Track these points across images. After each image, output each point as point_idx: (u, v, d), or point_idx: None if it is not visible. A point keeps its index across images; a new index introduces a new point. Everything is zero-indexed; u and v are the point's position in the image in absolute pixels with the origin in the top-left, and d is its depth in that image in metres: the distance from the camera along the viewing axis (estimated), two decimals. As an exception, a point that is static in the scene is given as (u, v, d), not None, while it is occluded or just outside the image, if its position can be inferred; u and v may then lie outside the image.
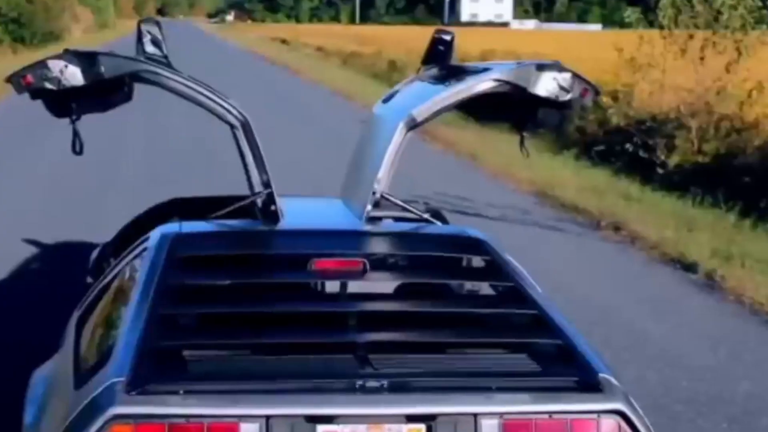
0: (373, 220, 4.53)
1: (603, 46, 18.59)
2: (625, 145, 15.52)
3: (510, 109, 4.92)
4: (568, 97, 4.65)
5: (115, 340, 3.63)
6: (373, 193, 4.53)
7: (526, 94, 4.59)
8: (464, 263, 4.27)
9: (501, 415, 3.42)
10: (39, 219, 10.99)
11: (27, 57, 39.17)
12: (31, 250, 9.61)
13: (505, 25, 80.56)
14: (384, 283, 4.07)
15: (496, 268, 4.10)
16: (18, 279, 8.80)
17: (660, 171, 14.80)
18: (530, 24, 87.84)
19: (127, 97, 4.91)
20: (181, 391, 3.34)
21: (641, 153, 15.22)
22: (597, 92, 4.78)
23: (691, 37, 15.56)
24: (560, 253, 10.27)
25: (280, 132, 17.43)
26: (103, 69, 4.31)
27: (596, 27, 61.32)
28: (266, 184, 4.44)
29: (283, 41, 60.64)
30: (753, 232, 11.35)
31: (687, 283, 9.43)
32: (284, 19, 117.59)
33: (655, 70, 16.39)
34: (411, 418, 3.39)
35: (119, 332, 3.66)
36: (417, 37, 38.40)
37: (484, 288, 4.25)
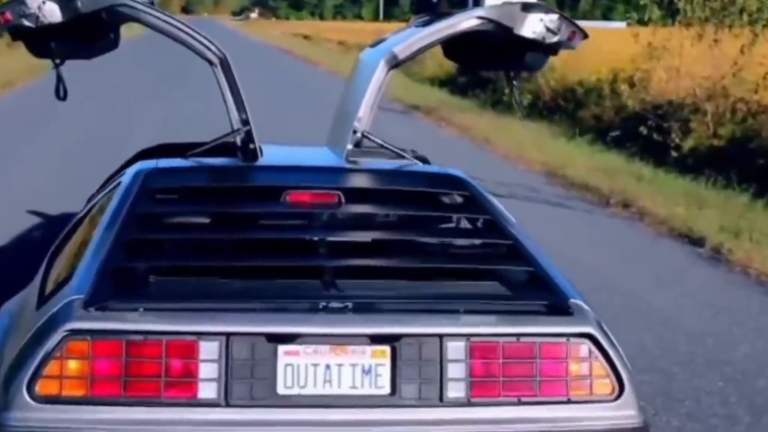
0: (353, 159, 4.46)
1: (624, 41, 18.52)
2: (639, 127, 15.39)
3: (496, 54, 4.85)
4: (555, 39, 4.56)
5: (79, 263, 3.59)
6: (354, 131, 4.46)
7: (512, 35, 4.50)
8: (442, 198, 4.20)
9: (467, 337, 3.36)
10: (46, 199, 10.96)
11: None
12: (34, 221, 9.57)
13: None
14: (359, 215, 4.00)
15: (473, 203, 4.03)
16: (21, 246, 8.77)
17: (674, 154, 14.66)
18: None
19: (113, 44, 4.87)
20: (141, 309, 3.29)
21: (655, 136, 15.08)
22: (585, 35, 4.69)
23: (706, 19, 15.43)
24: (567, 228, 10.16)
25: (290, 113, 17.42)
26: (79, 3, 4.26)
27: (620, 24, 60.85)
28: (245, 122, 4.38)
29: (306, 37, 60.61)
30: (765, 211, 11.20)
31: (694, 256, 9.33)
32: (308, 16, 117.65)
33: (671, 56, 16.27)
34: (375, 339, 3.33)
35: (84, 256, 3.61)
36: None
37: (461, 222, 4.17)
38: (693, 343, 6.70)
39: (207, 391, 3.25)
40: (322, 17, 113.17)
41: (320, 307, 3.36)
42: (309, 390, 3.30)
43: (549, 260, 3.74)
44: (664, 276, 8.55)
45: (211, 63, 4.36)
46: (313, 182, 4.06)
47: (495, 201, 4.14)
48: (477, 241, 4.04)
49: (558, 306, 3.48)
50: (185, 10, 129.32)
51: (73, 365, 3.22)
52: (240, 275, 3.59)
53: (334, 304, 3.37)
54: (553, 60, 17.10)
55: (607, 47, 21.39)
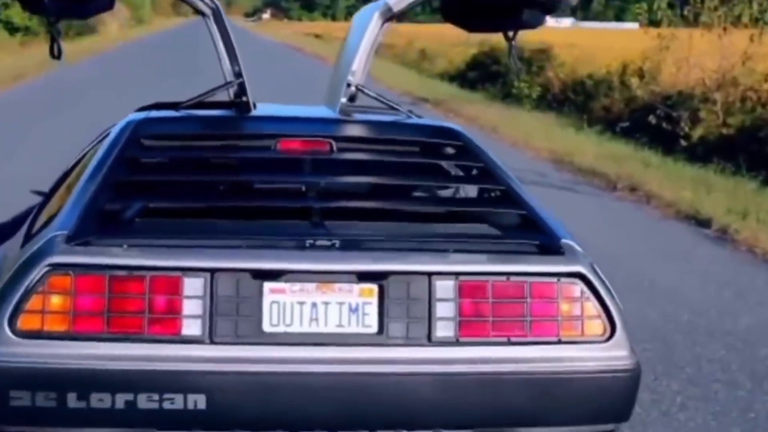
0: (347, 112, 4.40)
1: (636, 40, 18.50)
2: (648, 116, 15.32)
3: (495, 13, 4.79)
4: None
5: (65, 204, 3.54)
6: (348, 85, 4.40)
7: None
8: (435, 147, 4.13)
9: (456, 276, 3.30)
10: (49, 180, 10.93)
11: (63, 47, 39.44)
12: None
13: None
14: (350, 161, 3.93)
15: (467, 152, 3.97)
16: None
17: (683, 143, 14.60)
18: (567, 22, 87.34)
19: (109, 4, 4.82)
20: (124, 245, 3.24)
21: (664, 125, 15.02)
22: None
23: (715, 9, 15.36)
24: (572, 210, 10.05)
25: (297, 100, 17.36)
26: None
27: (633, 25, 60.78)
28: (238, 74, 4.32)
29: (317, 36, 60.66)
30: (774, 196, 11.13)
31: (700, 237, 9.26)
32: (320, 17, 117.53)
33: (680, 46, 16.21)
34: (362, 277, 3.28)
35: (70, 197, 3.57)
36: (451, 33, 38.33)
37: (453, 169, 4.11)
38: (696, 315, 6.64)
39: (191, 327, 3.20)
40: (334, 18, 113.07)
41: (307, 244, 3.31)
42: (295, 328, 3.25)
43: (542, 205, 3.69)
44: (669, 254, 8.49)
45: (203, 14, 4.31)
46: (304, 131, 4.00)
47: (489, 152, 4.08)
48: (469, 187, 3.98)
49: (549, 246, 3.42)
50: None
51: (55, 300, 3.18)
52: (227, 216, 3.54)
53: (322, 242, 3.32)
54: (563, 55, 17.00)
55: (619, 45, 21.38)
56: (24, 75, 24.96)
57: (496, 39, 25.51)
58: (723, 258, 8.46)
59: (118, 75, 23.43)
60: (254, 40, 50.99)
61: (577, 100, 19.65)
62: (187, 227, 3.44)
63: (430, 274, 3.28)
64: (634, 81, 17.58)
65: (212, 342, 3.20)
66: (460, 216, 3.70)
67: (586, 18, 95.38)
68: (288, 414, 3.21)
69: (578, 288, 3.36)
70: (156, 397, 3.15)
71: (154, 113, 4.22)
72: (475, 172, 3.92)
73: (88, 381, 3.14)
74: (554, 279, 3.35)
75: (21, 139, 13.53)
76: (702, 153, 14.10)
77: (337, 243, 3.32)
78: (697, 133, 14.82)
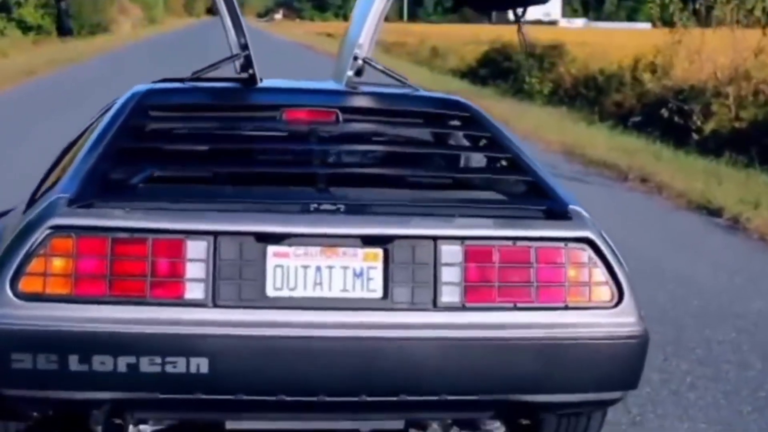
0: (354, 85, 4.36)
1: (649, 39, 18.46)
2: (660, 110, 15.26)
3: None
4: None
5: (68, 169, 3.52)
6: (355, 57, 4.36)
7: None
8: (442, 117, 4.09)
9: (462, 240, 3.26)
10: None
11: (74, 45, 39.73)
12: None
13: (553, 23, 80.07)
14: (357, 131, 3.90)
15: (474, 122, 3.93)
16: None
17: (695, 137, 14.53)
18: (579, 22, 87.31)
19: None
20: (127, 208, 3.21)
21: (676, 119, 14.95)
22: None
23: (728, 1, 15.31)
24: (583, 199, 9.97)
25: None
26: None
27: (645, 26, 60.86)
28: (244, 47, 4.28)
29: (329, 35, 60.57)
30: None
31: (711, 226, 9.22)
32: (332, 17, 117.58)
33: (692, 39, 16.17)
34: (367, 241, 3.24)
35: (73, 163, 3.54)
36: (463, 32, 38.30)
37: (460, 139, 4.07)
38: (706, 299, 6.59)
39: (194, 291, 3.17)
40: (345, 18, 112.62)
41: (311, 208, 3.28)
42: (299, 292, 3.22)
43: (549, 173, 3.65)
44: (680, 242, 8.44)
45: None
46: (310, 101, 3.97)
47: (497, 123, 4.04)
48: (476, 155, 3.95)
49: (556, 211, 3.39)
50: (210, 11, 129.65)
51: (57, 263, 3.15)
52: (230, 182, 3.51)
53: (326, 206, 3.29)
54: (575, 52, 16.92)
55: (631, 44, 21.33)
56: (35, 71, 25.03)
57: (508, 36, 25.64)
58: (734, 246, 8.41)
59: (127, 73, 23.39)
60: (267, 39, 51.02)
61: (589, 96, 19.58)
62: (190, 192, 3.41)
63: (435, 239, 3.25)
64: (646, 76, 17.54)
65: (215, 306, 3.17)
66: (467, 183, 3.66)
67: (598, 18, 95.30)
68: (291, 379, 3.18)
69: (586, 253, 3.32)
70: (158, 360, 3.12)
71: (159, 84, 4.19)
72: (482, 141, 3.88)
73: (90, 344, 3.11)
74: (561, 244, 3.30)
75: (25, 134, 13.53)
76: (714, 146, 14.02)
77: (342, 207, 3.28)
78: (709, 126, 14.75)
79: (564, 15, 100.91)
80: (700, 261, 7.80)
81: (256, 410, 3.31)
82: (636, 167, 11.76)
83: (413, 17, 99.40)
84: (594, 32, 43.34)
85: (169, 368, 3.12)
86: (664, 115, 15.13)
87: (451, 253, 3.25)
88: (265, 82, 4.29)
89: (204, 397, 3.19)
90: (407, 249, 3.24)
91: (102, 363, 3.11)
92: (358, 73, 4.39)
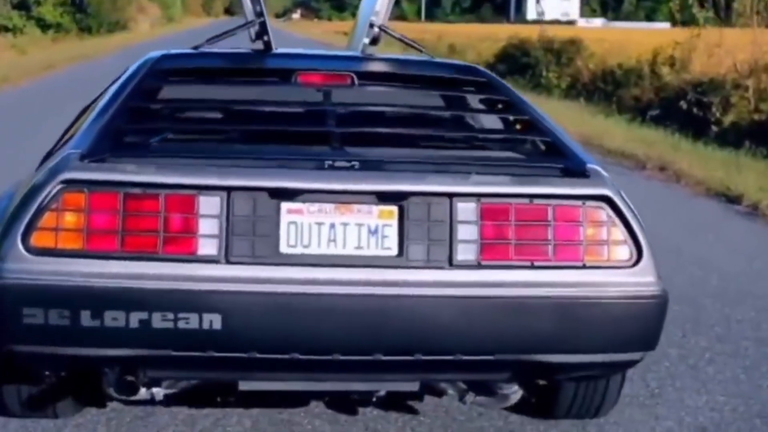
0: (369, 53, 4.33)
1: (667, 38, 18.38)
2: (679, 102, 15.18)
3: None
4: None
5: (81, 127, 3.49)
6: (371, 25, 4.32)
7: None
8: (459, 82, 4.05)
9: (478, 198, 3.22)
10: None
11: (93, 43, 39.85)
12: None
13: (571, 23, 79.92)
14: (372, 93, 3.86)
15: (490, 86, 3.90)
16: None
17: (714, 129, 14.44)
18: (597, 22, 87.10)
19: None
20: (139, 163, 3.18)
21: (695, 111, 14.87)
22: None
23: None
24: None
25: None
26: None
27: (664, 25, 60.72)
28: (259, 14, 4.25)
29: (346, 33, 60.65)
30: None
31: (730, 212, 9.15)
32: (350, 17, 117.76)
33: (712, 33, 16.11)
34: (382, 198, 3.20)
35: (86, 121, 3.52)
36: (480, 30, 38.17)
37: (477, 103, 4.03)
38: (725, 281, 6.53)
39: (207, 247, 3.14)
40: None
41: (326, 165, 3.24)
42: (313, 249, 3.18)
43: (568, 134, 3.60)
44: (699, 227, 8.37)
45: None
46: (326, 66, 3.94)
47: (512, 88, 4.00)
48: (492, 118, 3.91)
49: (574, 169, 3.34)
50: (228, 11, 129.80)
51: (69, 218, 3.12)
52: (245, 140, 3.48)
53: (341, 163, 3.25)
54: (593, 47, 16.88)
55: (650, 41, 21.24)
56: (54, 66, 25.10)
57: (526, 33, 25.55)
58: (754, 231, 8.34)
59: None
60: (285, 37, 51.07)
61: (607, 90, 19.49)
62: (204, 148, 3.38)
63: (451, 196, 3.20)
64: (665, 69, 17.46)
65: (228, 262, 3.13)
66: (484, 144, 3.62)
67: (616, 18, 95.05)
68: (304, 337, 3.14)
69: (604, 212, 3.27)
70: (171, 316, 3.08)
71: (174, 51, 4.17)
72: (499, 105, 3.84)
73: (102, 299, 3.08)
74: (579, 202, 3.26)
75: (39, 126, 13.55)
76: (733, 139, 13.92)
77: (357, 164, 3.25)
78: (728, 119, 14.65)
79: (582, 15, 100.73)
80: (718, 245, 7.72)
81: (269, 370, 3.28)
82: (654, 157, 11.70)
83: (431, 17, 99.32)
84: (612, 32, 43.19)
85: (181, 324, 3.09)
86: (683, 108, 15.05)
87: (467, 210, 3.21)
88: (280, 50, 4.26)
89: (216, 355, 3.16)
90: (423, 206, 3.20)
91: (114, 319, 3.08)
92: (374, 41, 4.36)
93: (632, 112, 17.24)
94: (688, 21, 16.89)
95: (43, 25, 44.63)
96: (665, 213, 8.97)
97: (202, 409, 3.99)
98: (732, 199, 9.52)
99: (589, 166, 3.36)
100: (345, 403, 4.02)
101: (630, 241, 3.28)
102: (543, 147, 3.53)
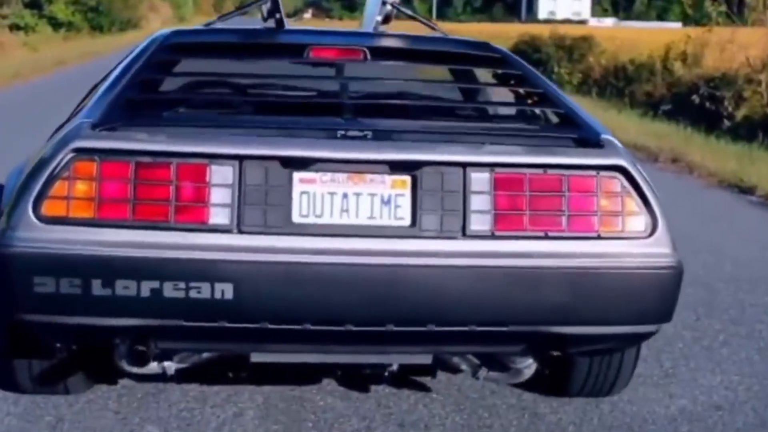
0: (382, 30, 4.30)
1: (679, 37, 18.33)
2: (692, 96, 15.13)
3: None
4: None
5: (92, 98, 3.48)
6: (383, 2, 4.30)
7: None
8: (472, 57, 4.01)
9: (492, 168, 3.19)
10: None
11: (104, 41, 39.91)
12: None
13: (583, 23, 79.83)
14: (386, 67, 3.83)
15: (504, 61, 3.86)
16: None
17: (727, 123, 14.39)
18: (609, 22, 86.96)
19: None
20: (150, 131, 3.16)
21: (707, 105, 14.81)
22: None
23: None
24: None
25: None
26: None
27: (676, 25, 60.56)
28: (271, -9, 4.23)
29: (358, 32, 60.72)
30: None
31: (743, 203, 9.11)
32: (361, 17, 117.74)
33: (724, 32, 16.07)
34: (395, 167, 3.18)
35: (97, 93, 3.50)
36: (491, 29, 38.13)
37: (489, 78, 4.00)
38: (738, 267, 6.49)
39: (218, 216, 3.12)
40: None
41: (339, 135, 3.22)
42: (325, 219, 3.16)
43: (581, 107, 3.58)
44: (712, 217, 8.34)
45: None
46: (338, 41, 3.92)
47: (526, 63, 3.97)
48: (507, 91, 3.88)
49: (588, 139, 3.31)
50: (239, 9, 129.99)
51: (80, 186, 3.10)
52: (257, 111, 3.46)
53: (354, 133, 3.23)
54: (605, 43, 16.83)
55: (662, 39, 21.20)
56: (65, 62, 25.14)
57: (537, 31, 25.51)
58: (767, 221, 8.29)
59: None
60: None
61: (619, 85, 19.45)
62: (215, 118, 3.36)
63: (464, 165, 3.18)
64: (677, 64, 17.40)
65: (240, 231, 3.11)
66: (497, 115, 3.60)
67: (628, 18, 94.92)
68: (316, 307, 3.12)
69: (618, 182, 3.24)
70: (182, 285, 3.06)
71: (184, 28, 4.16)
72: (513, 79, 3.82)
73: (113, 268, 3.06)
74: (593, 172, 3.23)
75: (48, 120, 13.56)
76: (746, 132, 13.87)
77: (370, 134, 3.23)
78: (741, 113, 14.60)
79: (594, 14, 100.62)
80: (732, 234, 7.69)
81: (281, 341, 3.26)
82: (666, 149, 11.67)
83: (442, 17, 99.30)
84: (623, 31, 43.10)
85: (192, 294, 3.07)
86: (695, 102, 15.00)
87: (480, 180, 3.18)
88: (292, 27, 4.24)
89: (228, 325, 3.14)
90: (436, 176, 3.17)
91: (125, 288, 3.06)
92: (386, 20, 4.34)
93: (644, 107, 17.21)
94: (700, 20, 16.85)
95: (55, 24, 44.72)
96: (678, 203, 8.90)
97: (214, 386, 3.98)
98: (745, 190, 9.49)
99: (604, 136, 3.34)
100: (357, 380, 4.00)
101: (645, 212, 3.25)
102: (557, 119, 3.50)
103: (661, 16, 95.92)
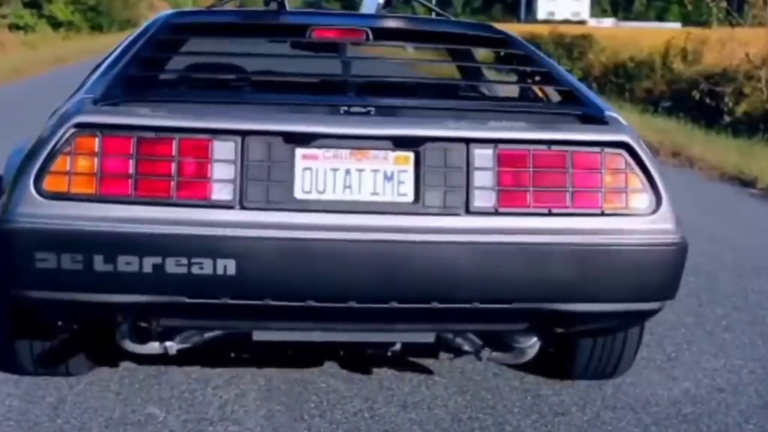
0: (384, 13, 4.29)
1: (678, 37, 18.34)
2: (692, 92, 15.12)
3: None
4: None
5: (94, 75, 3.47)
6: (385, -13, 4.29)
7: None
8: (476, 38, 4.00)
9: (495, 144, 3.18)
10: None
11: (104, 40, 39.90)
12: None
13: (582, 23, 79.88)
14: (388, 47, 3.83)
15: (508, 42, 3.85)
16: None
17: (727, 118, 14.38)
18: (608, 22, 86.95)
19: None
20: (152, 106, 3.15)
21: (708, 101, 14.80)
22: None
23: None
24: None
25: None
26: None
27: (675, 25, 60.55)
28: (273, -27, 4.22)
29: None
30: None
31: (744, 195, 9.11)
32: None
33: (724, 32, 16.09)
34: (398, 143, 3.16)
35: (99, 70, 3.49)
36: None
37: (495, 57, 3.99)
38: (740, 256, 6.48)
39: (221, 192, 3.10)
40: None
41: (341, 111, 3.21)
42: (328, 195, 3.14)
43: (586, 86, 3.57)
44: (713, 208, 8.32)
45: None
46: (340, 22, 3.91)
47: (530, 44, 3.96)
48: (510, 70, 3.87)
49: (592, 116, 3.30)
50: None
51: (81, 161, 3.09)
52: (259, 88, 3.44)
53: (357, 109, 3.21)
54: (605, 41, 16.84)
55: (661, 39, 21.19)
56: (64, 59, 25.14)
57: (538, 31, 25.53)
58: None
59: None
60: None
61: (618, 82, 19.45)
62: (218, 94, 3.35)
63: (468, 141, 3.16)
64: (677, 61, 17.40)
65: (242, 207, 3.10)
66: (501, 93, 3.59)
67: (627, 18, 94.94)
68: (319, 283, 3.10)
69: (622, 159, 3.23)
70: (184, 261, 3.05)
71: (188, 9, 4.15)
72: (516, 59, 3.80)
73: (115, 244, 3.04)
74: (597, 149, 3.21)
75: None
76: (746, 128, 13.87)
77: (373, 110, 3.22)
78: (741, 108, 14.61)
79: (593, 15, 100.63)
80: (733, 225, 7.68)
81: (284, 318, 3.24)
82: (667, 143, 11.66)
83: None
84: (623, 31, 43.11)
85: (195, 270, 3.05)
86: (695, 98, 14.99)
87: (484, 156, 3.17)
88: (294, 9, 4.23)
89: (230, 302, 3.12)
90: (439, 152, 3.16)
91: (127, 264, 3.04)
92: (388, 3, 4.33)
93: (644, 104, 17.20)
94: (700, 19, 16.85)
95: (54, 23, 44.76)
96: (679, 195, 8.88)
97: (216, 367, 3.96)
98: (746, 183, 9.48)
99: (608, 113, 3.32)
100: (359, 362, 3.99)
101: (649, 189, 3.24)
102: (561, 96, 3.49)
103: (660, 17, 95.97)
